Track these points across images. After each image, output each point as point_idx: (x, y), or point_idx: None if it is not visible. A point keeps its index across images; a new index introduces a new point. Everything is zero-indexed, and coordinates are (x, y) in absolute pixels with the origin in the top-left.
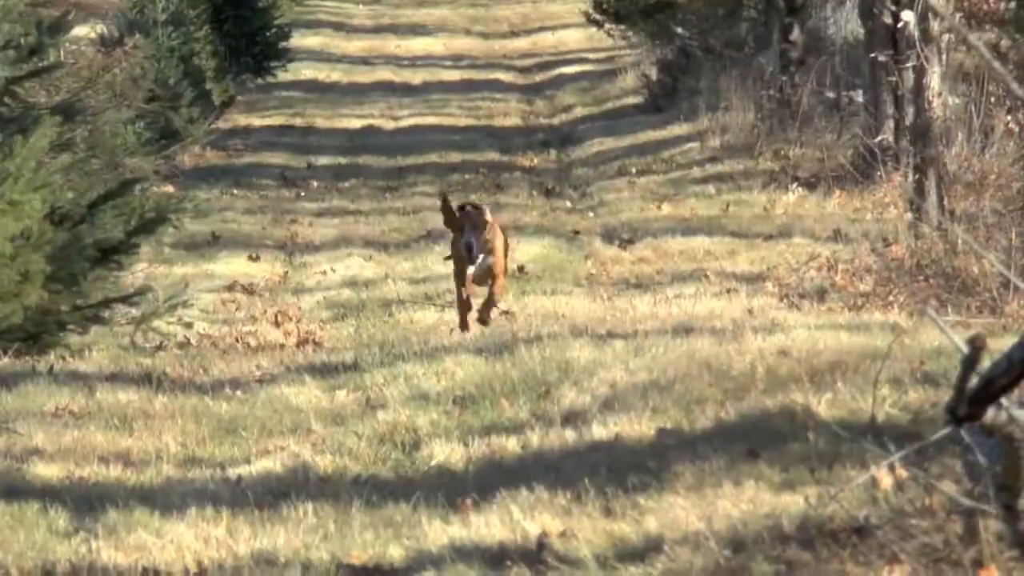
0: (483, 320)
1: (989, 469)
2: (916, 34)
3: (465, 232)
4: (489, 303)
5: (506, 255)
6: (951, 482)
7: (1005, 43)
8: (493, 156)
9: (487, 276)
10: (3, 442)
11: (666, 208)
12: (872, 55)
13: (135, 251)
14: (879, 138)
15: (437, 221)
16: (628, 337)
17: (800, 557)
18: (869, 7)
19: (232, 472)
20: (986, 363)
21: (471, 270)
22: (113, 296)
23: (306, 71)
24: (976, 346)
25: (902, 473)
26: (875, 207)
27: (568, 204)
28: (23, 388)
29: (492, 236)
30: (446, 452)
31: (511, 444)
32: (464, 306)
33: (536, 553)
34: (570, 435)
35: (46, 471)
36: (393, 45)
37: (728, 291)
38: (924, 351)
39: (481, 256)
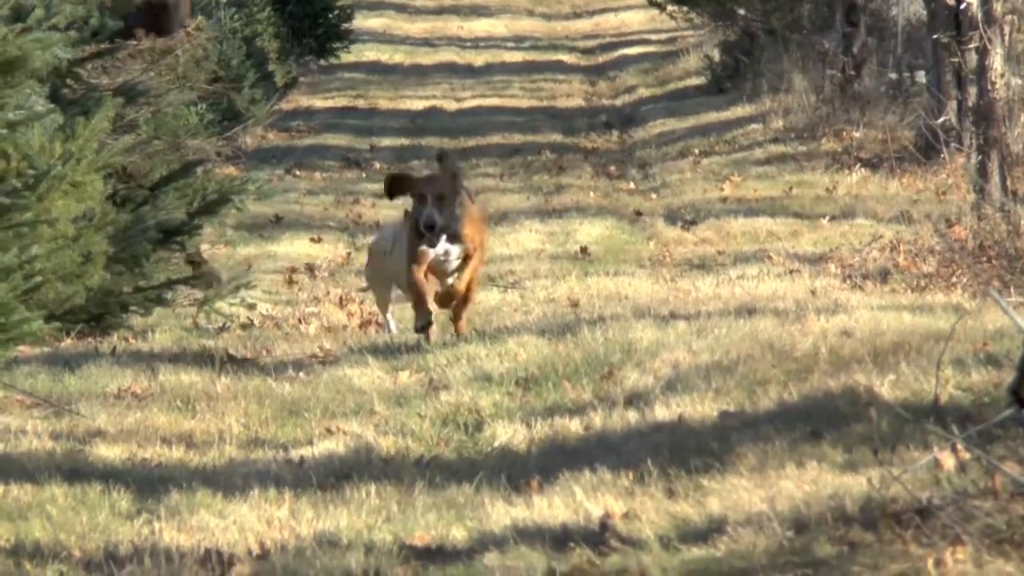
0: (457, 326)
1: None
2: (979, 15)
3: (427, 201)
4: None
5: (479, 238)
6: (1014, 463)
7: None
8: (556, 137)
9: (450, 291)
10: (66, 424)
11: (729, 189)
12: (935, 36)
13: (198, 232)
14: (942, 119)
15: (500, 202)
16: (691, 318)
17: (863, 538)
18: None
19: (295, 453)
20: None
21: (431, 255)
22: (175, 278)
23: (368, 52)
24: None
25: (965, 454)
26: (938, 188)
27: (631, 185)
28: (86, 369)
29: (469, 224)
30: (509, 433)
31: (574, 425)
32: (420, 293)
33: (599, 534)
34: (633, 416)
35: (109, 453)
36: (456, 26)
37: (791, 272)
38: (987, 332)
39: (447, 245)
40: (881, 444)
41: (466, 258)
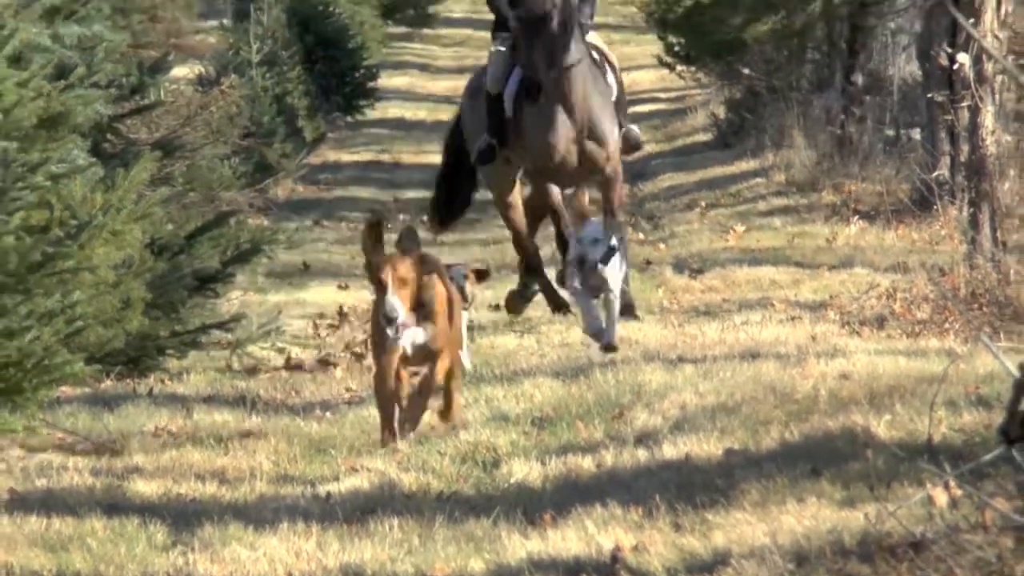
0: (445, 417)
1: None
2: (971, 75)
3: (387, 288)
4: (448, 401)
5: (453, 319)
6: (1004, 499)
7: None
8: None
9: (426, 357)
10: (106, 460)
11: (733, 239)
12: (929, 95)
13: (231, 280)
14: (935, 174)
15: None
16: (697, 362)
17: (860, 571)
18: (926, 50)
19: (322, 489)
20: None
21: (399, 344)
22: (210, 322)
23: (393, 109)
24: None
25: (957, 491)
26: (932, 239)
27: (641, 236)
28: (124, 409)
29: (431, 296)
30: (525, 470)
31: (586, 463)
32: (387, 402)
33: (610, 566)
34: (642, 454)
35: (146, 488)
36: None
37: (792, 318)
38: (978, 376)
39: (409, 330)
40: (877, 481)
41: (440, 347)
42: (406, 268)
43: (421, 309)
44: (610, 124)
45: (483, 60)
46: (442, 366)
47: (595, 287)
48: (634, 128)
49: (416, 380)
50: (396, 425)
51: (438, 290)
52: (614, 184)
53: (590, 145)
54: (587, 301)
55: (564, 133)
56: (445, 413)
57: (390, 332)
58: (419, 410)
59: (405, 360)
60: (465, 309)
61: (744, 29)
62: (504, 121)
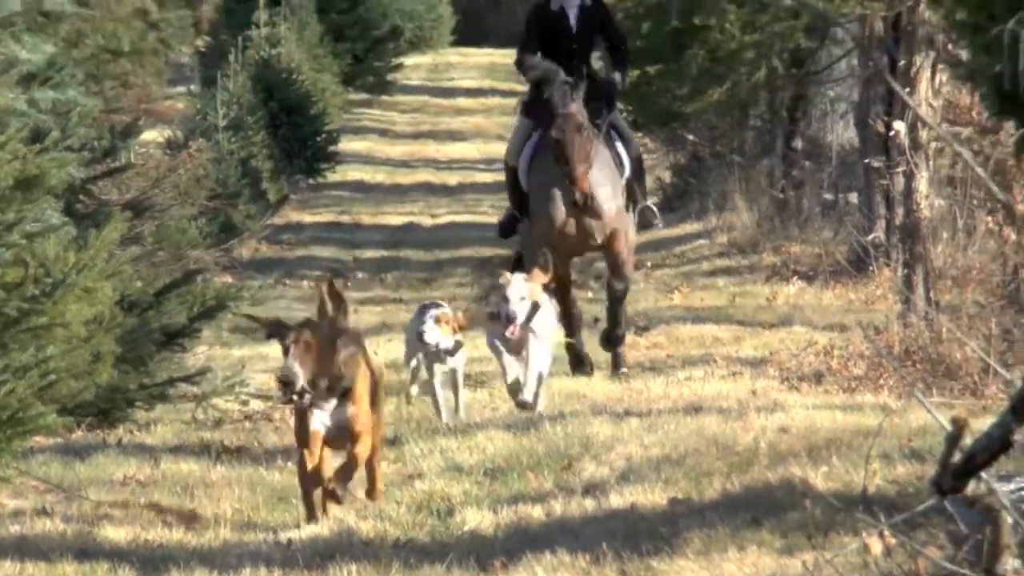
0: (371, 495)
1: (970, 537)
2: (906, 142)
3: (288, 352)
4: (371, 478)
5: (376, 398)
6: (935, 548)
7: (986, 150)
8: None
9: (346, 438)
10: (76, 507)
11: (678, 298)
12: (866, 161)
13: (197, 335)
14: (872, 236)
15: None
16: (643, 415)
17: None
18: (864, 117)
19: (283, 536)
20: (968, 441)
21: (314, 423)
22: (177, 376)
23: (353, 173)
24: (959, 425)
25: (891, 540)
26: (868, 299)
27: (590, 294)
28: (95, 458)
29: (352, 375)
30: (477, 519)
31: (536, 512)
32: (307, 483)
33: None
34: (590, 504)
35: (115, 534)
36: (432, 149)
37: (734, 374)
38: (911, 429)
39: (324, 411)
40: (815, 530)
41: (359, 430)
42: (315, 339)
43: (338, 388)
44: (614, 201)
45: (439, 127)
46: (362, 451)
47: (517, 346)
48: (651, 205)
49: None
50: (316, 505)
51: (361, 370)
52: (617, 258)
53: (591, 221)
54: (507, 357)
55: (563, 207)
56: (370, 491)
57: (281, 395)
58: (342, 489)
59: (327, 441)
60: (451, 354)
61: (690, 99)
62: (524, 193)
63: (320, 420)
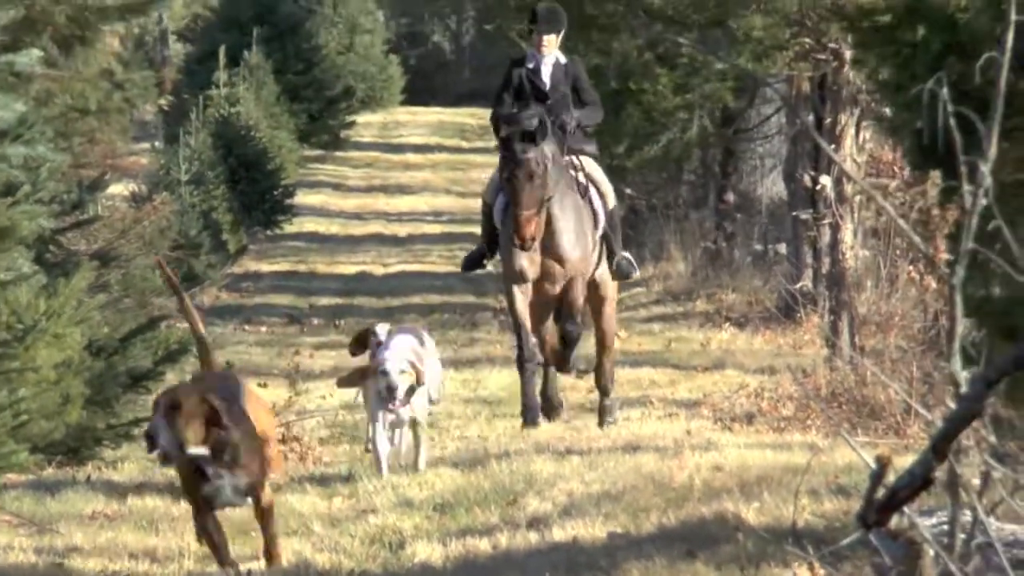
0: (269, 560)
1: (894, 568)
2: (832, 196)
3: (155, 417)
4: (268, 541)
5: (263, 461)
6: None
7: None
8: (469, 298)
9: (242, 499)
10: (47, 541)
11: (617, 344)
12: (794, 213)
13: (161, 378)
14: (799, 285)
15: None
16: (584, 453)
17: None
18: (792, 172)
19: (244, 568)
20: (891, 477)
21: (206, 488)
22: (142, 416)
23: (309, 224)
24: (882, 463)
25: (820, 572)
26: (796, 344)
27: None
28: (64, 494)
29: (236, 440)
30: (428, 552)
31: (484, 545)
32: (208, 538)
33: None
34: (534, 537)
35: (84, 566)
36: (383, 203)
37: (670, 415)
38: (838, 467)
39: (222, 478)
40: (747, 562)
41: (252, 486)
42: (188, 403)
43: (225, 453)
44: (577, 248)
45: (389, 181)
46: (267, 505)
47: (398, 421)
48: (626, 257)
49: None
50: (227, 554)
51: (245, 428)
52: (572, 304)
53: (551, 264)
54: (382, 432)
55: (527, 256)
56: (268, 556)
57: (154, 455)
58: (271, 534)
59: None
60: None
61: (627, 156)
62: (495, 230)
63: (215, 486)
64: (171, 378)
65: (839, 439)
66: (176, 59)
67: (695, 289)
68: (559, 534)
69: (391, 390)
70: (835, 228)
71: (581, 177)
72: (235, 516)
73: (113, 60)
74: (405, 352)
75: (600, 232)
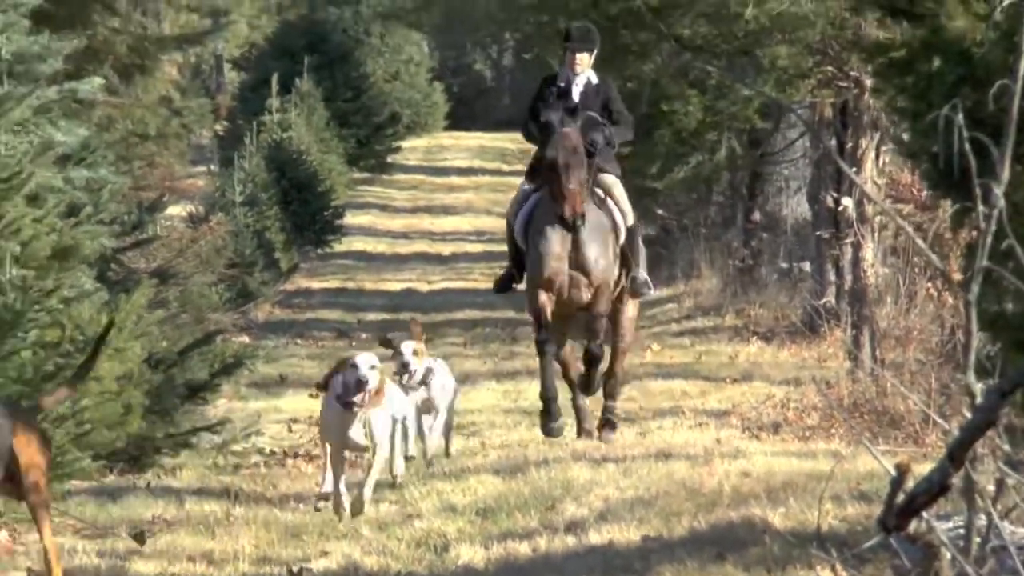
0: None
1: (912, 570)
2: (854, 216)
3: None
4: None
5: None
6: None
7: (926, 223)
8: (509, 313)
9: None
10: (109, 545)
11: (650, 356)
12: (817, 233)
13: (217, 389)
14: (823, 301)
15: (464, 366)
16: (619, 461)
17: None
18: (815, 194)
19: (296, 569)
20: (910, 484)
21: None
22: (199, 426)
23: (357, 243)
24: (902, 470)
25: (843, 574)
26: (820, 357)
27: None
28: (126, 500)
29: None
30: (470, 554)
31: (523, 548)
32: None
33: None
34: (571, 541)
35: (144, 569)
36: (428, 223)
37: (700, 424)
38: (859, 474)
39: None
40: (774, 565)
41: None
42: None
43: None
44: (603, 258)
45: (434, 202)
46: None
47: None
48: (642, 273)
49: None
50: None
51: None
52: (597, 318)
53: (577, 275)
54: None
55: (553, 262)
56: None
57: None
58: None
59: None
60: (411, 387)
61: (659, 177)
62: (519, 250)
63: None
64: (226, 389)
65: (861, 447)
66: (231, 87)
67: (724, 304)
68: (595, 538)
69: (360, 382)
70: (857, 247)
71: (600, 192)
72: (289, 522)
73: (171, 88)
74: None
75: (620, 244)
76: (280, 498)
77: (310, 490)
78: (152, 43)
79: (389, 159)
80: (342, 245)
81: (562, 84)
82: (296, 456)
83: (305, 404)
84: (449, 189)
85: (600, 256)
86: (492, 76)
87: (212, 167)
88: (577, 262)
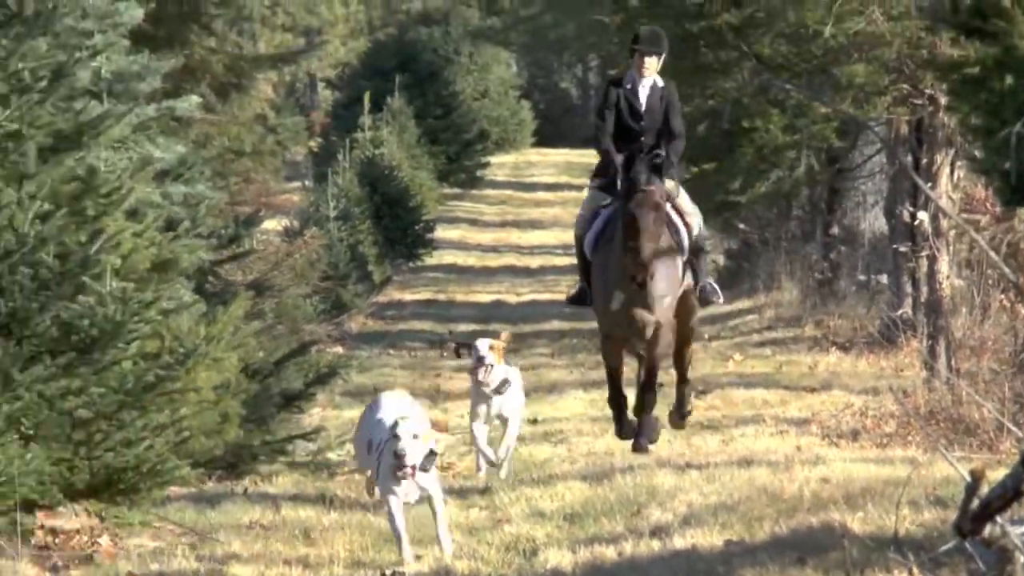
0: None
1: (987, 573)
2: (929, 230)
3: None
4: None
5: None
6: None
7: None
8: (595, 324)
9: None
10: (207, 549)
11: (732, 366)
12: (894, 246)
13: (312, 398)
14: (900, 312)
15: (551, 376)
16: (702, 467)
17: None
18: (892, 208)
19: (389, 573)
20: (985, 489)
21: None
22: (295, 434)
23: (447, 257)
24: (976, 476)
25: None
26: (897, 366)
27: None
28: (224, 506)
29: None
30: (558, 558)
31: (609, 552)
32: None
33: None
34: (656, 545)
35: (241, 572)
36: (516, 237)
37: (781, 432)
38: (936, 480)
39: None
40: (852, 568)
41: None
42: None
43: None
44: (668, 296)
45: (521, 216)
46: None
47: (407, 491)
48: (710, 283)
49: None
50: None
51: None
52: (653, 361)
53: (640, 313)
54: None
55: (619, 295)
56: None
57: None
58: None
59: None
60: (498, 392)
61: (740, 192)
62: (589, 264)
63: None
64: (321, 398)
65: (937, 454)
66: (325, 105)
67: (804, 316)
68: (679, 542)
69: (399, 456)
70: (932, 260)
71: (669, 207)
72: (381, 527)
73: (266, 106)
74: (419, 414)
75: (685, 258)
76: (373, 504)
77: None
78: (248, 62)
79: (478, 174)
80: (433, 258)
81: (628, 87)
82: None
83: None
84: (536, 204)
85: (667, 293)
86: (578, 94)
87: (306, 183)
88: (644, 302)
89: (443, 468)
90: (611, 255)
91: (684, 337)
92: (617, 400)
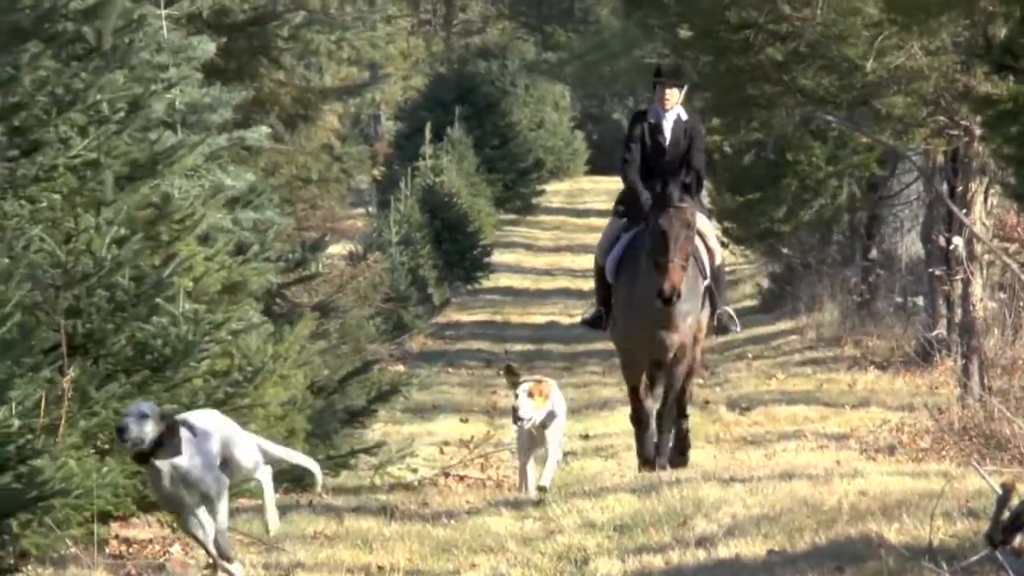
0: None
1: None
2: (964, 254)
3: None
4: None
5: None
6: None
7: None
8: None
9: None
10: (274, 558)
11: (775, 384)
12: (930, 269)
13: (374, 414)
14: (935, 332)
15: (602, 393)
16: (746, 480)
17: None
18: (928, 233)
19: None
20: (1015, 502)
21: None
22: (358, 448)
23: (504, 279)
24: (1007, 489)
25: None
26: (932, 384)
27: (700, 381)
28: (289, 517)
29: None
30: (608, 567)
31: (657, 561)
32: None
33: None
34: (702, 554)
35: None
36: (569, 260)
37: (821, 447)
38: (969, 493)
39: None
40: None
41: None
42: None
43: None
44: (691, 317)
45: (575, 241)
46: None
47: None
48: (727, 311)
49: None
50: None
51: None
52: (674, 381)
53: (664, 333)
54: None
55: (641, 318)
56: None
57: None
58: None
59: None
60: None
61: (785, 220)
62: (610, 291)
63: None
64: (383, 414)
65: (969, 468)
66: (388, 135)
67: (843, 336)
68: (724, 552)
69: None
70: (966, 283)
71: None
72: (441, 537)
73: (332, 136)
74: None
75: (705, 284)
76: (432, 515)
77: (460, 507)
78: (315, 94)
79: (533, 201)
80: (490, 281)
81: (652, 121)
82: (447, 475)
83: (456, 428)
84: (589, 229)
85: (691, 312)
86: None
87: (370, 209)
88: (667, 322)
89: (498, 483)
90: (635, 276)
91: (688, 367)
92: (639, 415)
